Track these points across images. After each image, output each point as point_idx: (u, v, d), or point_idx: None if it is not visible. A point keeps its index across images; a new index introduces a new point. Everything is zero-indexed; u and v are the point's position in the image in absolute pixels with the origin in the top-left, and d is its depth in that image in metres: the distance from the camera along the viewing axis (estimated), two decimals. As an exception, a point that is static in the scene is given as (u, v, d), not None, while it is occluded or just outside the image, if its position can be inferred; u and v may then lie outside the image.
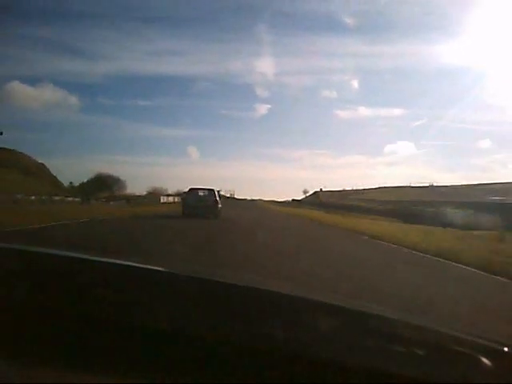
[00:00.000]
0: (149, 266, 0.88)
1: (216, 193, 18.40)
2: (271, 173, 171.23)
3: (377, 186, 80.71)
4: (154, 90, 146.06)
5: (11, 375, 0.60)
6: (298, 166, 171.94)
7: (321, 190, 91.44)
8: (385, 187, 75.88)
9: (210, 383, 0.64)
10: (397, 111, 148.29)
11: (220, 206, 18.04)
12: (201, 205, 17.08)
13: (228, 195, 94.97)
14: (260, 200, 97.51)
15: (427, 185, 69.25)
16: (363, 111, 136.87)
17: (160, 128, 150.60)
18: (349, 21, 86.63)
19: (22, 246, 0.87)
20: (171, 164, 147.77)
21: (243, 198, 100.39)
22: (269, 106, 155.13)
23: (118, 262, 0.84)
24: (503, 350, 0.67)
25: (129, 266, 0.84)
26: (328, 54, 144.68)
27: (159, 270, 0.86)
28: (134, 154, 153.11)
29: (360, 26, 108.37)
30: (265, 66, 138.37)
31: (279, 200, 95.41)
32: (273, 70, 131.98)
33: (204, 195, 17.98)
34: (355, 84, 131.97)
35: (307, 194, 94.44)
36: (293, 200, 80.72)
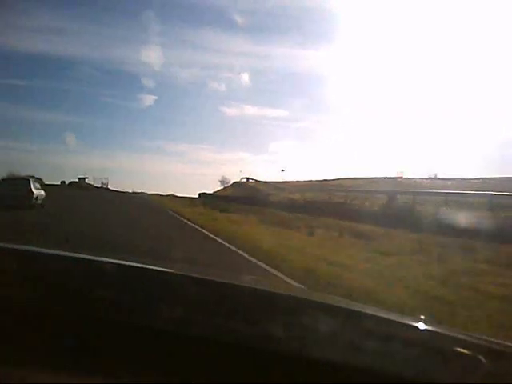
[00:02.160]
0: (149, 266, 0.87)
1: (31, 182, 17.78)
2: (154, 166, 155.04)
3: (339, 177, 48.00)
4: (29, 69, 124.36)
5: (11, 375, 0.60)
6: (180, 160, 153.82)
7: (248, 179, 62.04)
8: (355, 178, 45.07)
9: (210, 383, 0.64)
10: (281, 112, 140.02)
11: (40, 195, 17.62)
12: (15, 194, 16.27)
13: (98, 185, 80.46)
14: (157, 195, 68.56)
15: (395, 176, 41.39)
16: (249, 110, 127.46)
17: (34, 111, 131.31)
18: (238, 18, 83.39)
19: (22, 246, 0.86)
20: (41, 150, 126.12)
21: (123, 190, 75.98)
22: (155, 98, 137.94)
23: (118, 261, 0.83)
24: (501, 350, 0.68)
25: (129, 265, 0.83)
26: (217, 50, 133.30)
27: (159, 270, 0.86)
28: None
29: (249, 25, 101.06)
30: (152, 55, 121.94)
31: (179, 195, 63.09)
32: (160, 60, 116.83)
33: (18, 185, 17.30)
34: (242, 82, 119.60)
35: (226, 185, 65.44)
36: (201, 195, 52.28)
